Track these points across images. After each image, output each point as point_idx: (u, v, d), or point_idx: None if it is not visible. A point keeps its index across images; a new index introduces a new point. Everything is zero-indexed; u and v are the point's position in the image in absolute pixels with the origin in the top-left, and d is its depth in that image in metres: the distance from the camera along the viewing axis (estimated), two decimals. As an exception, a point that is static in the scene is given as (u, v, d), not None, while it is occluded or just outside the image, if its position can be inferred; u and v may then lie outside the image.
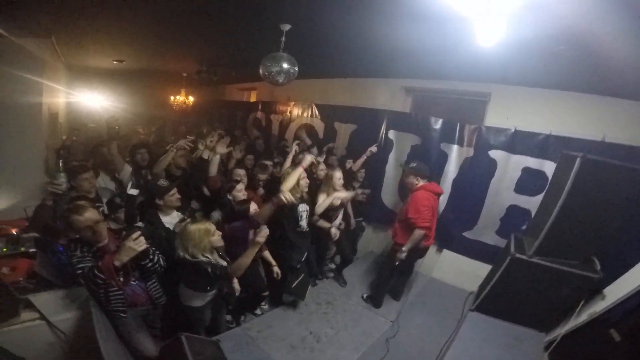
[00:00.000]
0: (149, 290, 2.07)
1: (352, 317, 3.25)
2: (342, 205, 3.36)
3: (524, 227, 3.16)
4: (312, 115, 5.42)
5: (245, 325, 2.95)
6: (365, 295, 3.52)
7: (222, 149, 3.11)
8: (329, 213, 3.28)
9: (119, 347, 1.82)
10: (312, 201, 3.17)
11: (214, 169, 2.97)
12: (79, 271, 1.70)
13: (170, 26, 3.14)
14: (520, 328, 2.74)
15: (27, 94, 2.99)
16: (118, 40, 3.84)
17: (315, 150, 4.38)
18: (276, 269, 2.93)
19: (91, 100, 6.62)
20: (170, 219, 2.56)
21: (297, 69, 2.78)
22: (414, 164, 3.04)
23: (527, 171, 3.28)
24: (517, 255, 2.61)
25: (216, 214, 2.78)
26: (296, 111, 5.73)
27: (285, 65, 2.71)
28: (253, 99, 7.72)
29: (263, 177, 3.48)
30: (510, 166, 3.34)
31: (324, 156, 4.07)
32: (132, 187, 2.46)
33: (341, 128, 4.91)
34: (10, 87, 2.85)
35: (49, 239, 2.29)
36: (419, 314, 3.29)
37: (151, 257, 1.91)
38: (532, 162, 3.24)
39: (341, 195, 3.16)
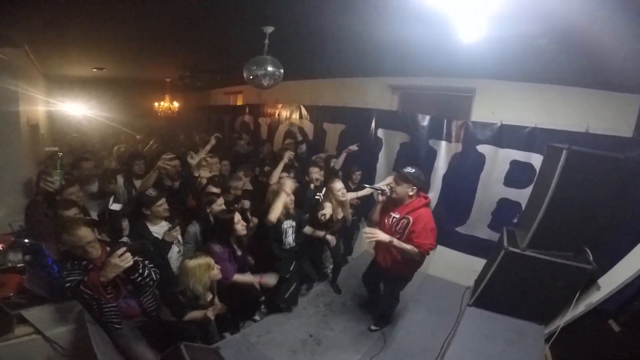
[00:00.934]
0: (143, 304, 2.03)
1: (351, 318, 3.24)
2: (345, 219, 3.34)
3: (515, 220, 3.21)
4: (300, 117, 5.42)
5: (245, 331, 2.91)
6: (372, 327, 3.10)
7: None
8: (333, 225, 3.25)
9: (118, 357, 1.77)
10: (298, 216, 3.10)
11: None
12: (67, 284, 1.67)
13: (150, 31, 3.06)
14: (520, 321, 2.76)
15: (2, 105, 2.88)
16: (96, 48, 3.75)
17: (304, 147, 4.36)
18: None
19: (73, 110, 6.45)
20: (159, 229, 2.52)
21: (282, 71, 2.76)
22: (411, 170, 2.52)
23: (515, 164, 3.34)
24: (511, 248, 2.62)
25: (192, 228, 2.71)
26: (284, 113, 5.72)
27: (270, 68, 2.68)
28: (239, 102, 7.66)
29: (235, 184, 3.35)
30: (498, 160, 3.40)
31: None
32: (114, 201, 2.38)
33: (330, 128, 4.93)
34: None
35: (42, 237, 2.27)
36: (417, 311, 3.32)
37: (140, 271, 1.87)
38: (520, 155, 3.29)
39: (327, 211, 3.04)
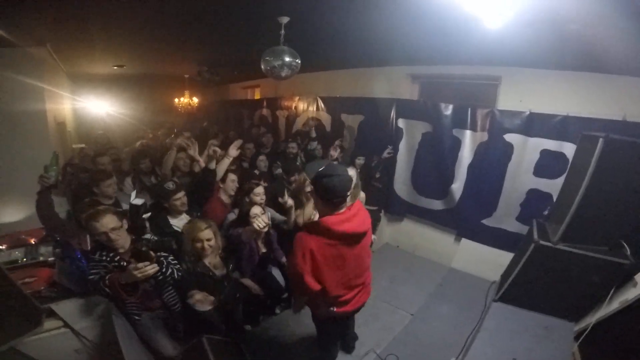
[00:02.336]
0: (163, 298, 2.06)
1: (370, 312, 3.18)
2: None
3: (546, 212, 3.05)
4: (318, 109, 5.36)
5: (265, 325, 2.93)
6: None
7: (233, 152, 2.91)
8: None
9: (142, 352, 1.81)
10: None
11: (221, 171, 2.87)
12: (90, 276, 1.73)
13: (167, 29, 3.09)
14: (548, 318, 2.66)
15: (30, 102, 3.02)
16: (115, 46, 3.82)
17: (315, 144, 4.30)
18: None
19: (97, 107, 6.67)
20: (179, 222, 2.52)
21: (299, 61, 2.71)
22: (322, 170, 1.61)
23: (546, 153, 3.16)
24: (542, 242, 2.52)
25: (232, 216, 2.71)
26: (302, 105, 5.67)
27: (287, 59, 2.64)
28: (257, 96, 7.67)
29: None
30: (527, 149, 3.23)
31: (338, 150, 3.97)
32: (136, 196, 2.42)
33: (348, 120, 4.84)
34: (13, 96, 2.87)
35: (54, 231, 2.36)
36: (440, 305, 3.23)
37: (164, 269, 1.88)
38: (551, 144, 3.12)
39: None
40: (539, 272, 2.63)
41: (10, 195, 2.99)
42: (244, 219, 2.47)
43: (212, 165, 2.79)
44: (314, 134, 4.56)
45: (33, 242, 2.57)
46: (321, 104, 5.31)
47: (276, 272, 2.91)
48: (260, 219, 2.44)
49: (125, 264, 1.78)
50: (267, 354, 2.58)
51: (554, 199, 3.05)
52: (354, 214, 1.65)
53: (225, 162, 2.89)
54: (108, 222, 1.77)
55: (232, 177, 2.89)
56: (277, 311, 3.15)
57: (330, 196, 1.57)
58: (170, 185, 2.52)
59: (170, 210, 2.53)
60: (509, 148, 3.32)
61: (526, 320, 2.69)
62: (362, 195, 3.18)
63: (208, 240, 2.12)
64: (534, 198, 3.25)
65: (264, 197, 2.79)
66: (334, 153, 3.88)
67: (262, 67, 2.64)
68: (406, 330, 2.91)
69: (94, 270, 1.74)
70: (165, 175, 3.07)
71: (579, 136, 2.63)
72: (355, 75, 4.96)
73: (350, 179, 1.63)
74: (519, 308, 2.79)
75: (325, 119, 5.21)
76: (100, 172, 2.83)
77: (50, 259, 2.30)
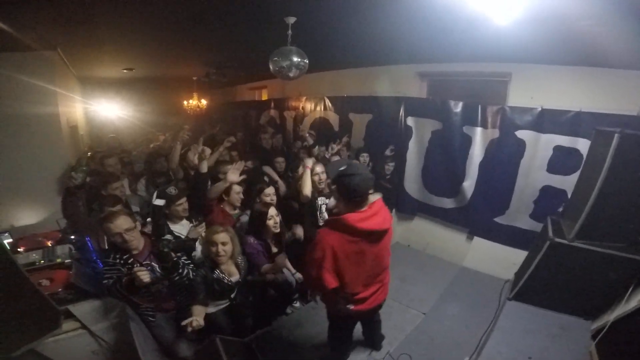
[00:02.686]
0: (177, 299, 2.08)
1: (382, 310, 3.11)
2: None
3: (560, 209, 2.99)
4: (325, 109, 5.36)
5: (276, 324, 2.93)
6: None
7: (233, 177, 2.69)
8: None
9: (158, 353, 1.83)
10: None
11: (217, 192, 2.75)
12: (104, 281, 1.76)
13: (175, 31, 3.12)
14: (564, 316, 2.62)
15: (43, 105, 3.07)
16: (125, 49, 3.86)
17: (316, 150, 4.29)
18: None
19: (108, 110, 6.78)
20: (180, 227, 2.50)
21: (307, 61, 2.72)
22: (344, 170, 1.62)
23: (559, 150, 3.11)
24: (557, 239, 2.48)
25: (244, 218, 2.73)
26: (309, 106, 5.68)
27: (295, 59, 2.64)
28: (264, 97, 7.70)
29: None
30: (540, 146, 3.18)
31: (340, 144, 4.05)
32: (157, 197, 2.42)
33: (356, 119, 4.83)
34: (26, 100, 2.93)
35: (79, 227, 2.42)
36: (452, 304, 3.19)
37: (180, 270, 1.92)
38: (564, 140, 3.07)
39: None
40: (555, 270, 2.58)
41: (26, 198, 3.05)
42: (259, 220, 2.48)
43: (204, 168, 2.72)
44: (310, 141, 4.59)
45: (50, 244, 2.61)
46: (329, 104, 5.31)
47: (286, 272, 2.92)
48: (275, 219, 2.49)
49: (138, 265, 1.80)
50: (279, 354, 2.59)
51: (569, 196, 3.01)
52: (375, 212, 1.65)
53: (221, 186, 2.73)
54: (122, 223, 1.80)
55: (236, 189, 2.80)
56: (289, 311, 3.16)
57: (352, 195, 1.59)
58: (172, 190, 2.49)
59: (171, 216, 2.49)
60: (521, 145, 3.28)
61: (541, 319, 2.64)
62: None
63: (223, 244, 2.09)
64: (548, 195, 3.20)
65: (274, 197, 2.80)
66: (335, 146, 3.94)
67: (271, 67, 2.65)
68: (418, 330, 2.88)
69: (108, 274, 1.77)
70: (174, 170, 3.07)
71: (593, 132, 2.59)
72: (362, 75, 4.95)
73: (372, 178, 1.67)
74: (533, 306, 2.74)
75: (333, 118, 5.21)
76: (109, 174, 2.87)
77: (67, 260, 2.34)
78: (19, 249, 2.53)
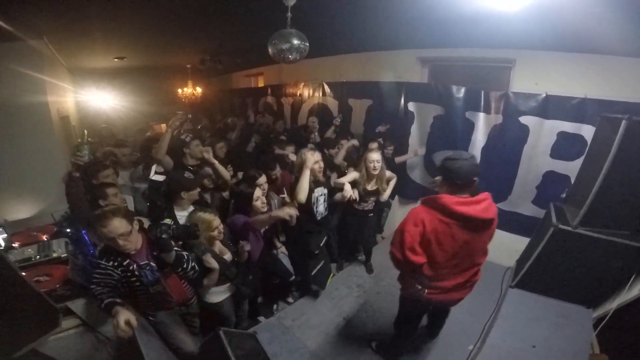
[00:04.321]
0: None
1: (385, 299, 3.18)
2: (375, 193, 3.16)
3: (563, 195, 2.97)
4: (324, 94, 5.26)
5: (280, 314, 2.93)
6: (374, 345, 2.60)
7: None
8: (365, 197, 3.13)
9: (162, 348, 1.79)
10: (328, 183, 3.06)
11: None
12: (92, 286, 1.58)
13: (167, 16, 2.99)
14: (566, 304, 2.61)
15: (31, 95, 2.96)
16: (114, 37, 3.72)
17: (316, 136, 4.24)
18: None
19: (100, 101, 6.62)
20: (184, 214, 2.41)
21: (307, 44, 2.61)
22: (449, 155, 1.68)
23: (563, 136, 3.08)
24: (561, 226, 2.45)
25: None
26: (307, 92, 5.56)
27: (295, 42, 2.53)
28: (261, 84, 7.55)
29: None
30: (544, 132, 3.15)
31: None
32: (156, 172, 2.26)
33: (356, 104, 4.75)
34: (14, 90, 2.82)
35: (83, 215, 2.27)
36: (454, 292, 3.19)
37: (185, 265, 1.78)
38: (568, 127, 3.04)
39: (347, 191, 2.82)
40: (558, 257, 2.56)
41: (19, 191, 2.98)
42: (244, 201, 2.41)
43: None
44: (317, 127, 4.57)
45: (45, 239, 2.54)
46: (327, 90, 5.21)
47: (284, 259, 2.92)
48: (262, 200, 2.42)
49: (135, 267, 1.68)
50: (283, 344, 2.59)
51: (572, 181, 2.98)
52: (477, 200, 1.63)
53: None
54: (117, 227, 1.59)
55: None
56: (291, 300, 3.16)
57: (454, 177, 1.61)
58: (190, 175, 2.42)
59: (180, 202, 2.40)
60: (524, 130, 3.24)
61: (544, 307, 2.64)
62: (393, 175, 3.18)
63: (219, 225, 2.11)
64: (551, 180, 3.18)
65: (266, 186, 2.71)
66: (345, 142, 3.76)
67: (270, 51, 2.54)
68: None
69: (97, 277, 1.60)
70: (158, 160, 2.88)
71: (598, 118, 2.55)
72: (362, 60, 4.84)
73: (477, 166, 1.66)
74: (536, 294, 2.74)
75: (332, 104, 5.12)
76: (97, 163, 2.74)
77: (63, 255, 2.27)
78: (13, 244, 2.46)
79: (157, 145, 2.92)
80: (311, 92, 5.47)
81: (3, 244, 2.51)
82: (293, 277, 2.93)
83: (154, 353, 1.51)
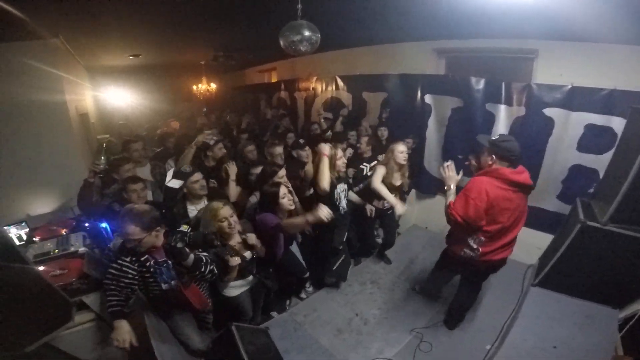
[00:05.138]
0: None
1: (400, 296, 3.12)
2: (401, 187, 3.15)
3: (591, 190, 2.81)
4: (337, 88, 5.19)
5: (292, 310, 2.92)
6: (418, 288, 3.14)
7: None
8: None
9: (174, 344, 1.80)
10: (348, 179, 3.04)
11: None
12: (106, 280, 1.60)
13: (180, 13, 3.00)
14: (590, 304, 2.47)
15: (49, 93, 3.03)
16: (128, 34, 3.76)
17: (329, 134, 4.15)
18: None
19: (118, 98, 6.77)
20: (195, 208, 2.47)
21: (319, 35, 2.55)
22: (498, 138, 2.11)
23: (590, 128, 2.90)
24: (589, 222, 2.30)
25: (254, 199, 2.63)
26: (320, 86, 5.50)
27: (306, 33, 2.48)
28: (274, 79, 7.53)
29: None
30: (570, 124, 2.98)
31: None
32: (173, 176, 2.30)
33: (370, 97, 4.66)
34: (32, 88, 2.89)
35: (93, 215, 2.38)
36: (473, 290, 3.09)
37: (202, 269, 1.75)
38: (597, 119, 2.86)
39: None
40: (584, 255, 2.42)
41: (41, 187, 3.06)
42: (271, 200, 2.35)
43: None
44: (324, 126, 4.49)
45: (64, 233, 2.60)
46: (341, 83, 5.13)
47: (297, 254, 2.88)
48: (288, 197, 2.37)
49: (152, 263, 1.68)
50: (295, 340, 2.57)
51: (600, 175, 2.82)
52: (522, 171, 2.10)
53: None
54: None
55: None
56: (304, 296, 3.14)
57: (509, 154, 2.02)
58: (186, 168, 2.46)
59: (189, 196, 2.46)
60: (549, 123, 3.08)
61: (566, 306, 2.51)
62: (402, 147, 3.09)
63: (230, 216, 2.04)
64: (578, 174, 3.01)
65: (286, 180, 2.68)
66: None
67: (281, 43, 2.50)
68: (438, 316, 2.81)
69: (112, 274, 1.61)
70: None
71: (629, 110, 2.38)
72: (376, 53, 4.74)
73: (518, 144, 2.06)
74: (559, 293, 2.61)
75: (346, 98, 5.04)
76: (120, 158, 2.85)
77: (80, 249, 2.29)
78: (34, 239, 2.53)
79: (181, 157, 3.07)
80: (324, 86, 5.41)
81: (25, 238, 2.59)
82: (307, 274, 2.90)
83: (165, 349, 1.51)
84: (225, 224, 2.02)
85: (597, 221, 2.29)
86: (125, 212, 1.61)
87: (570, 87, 2.93)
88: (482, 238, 2.13)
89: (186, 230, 1.75)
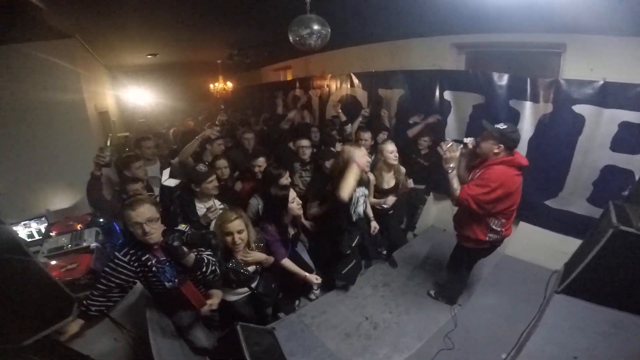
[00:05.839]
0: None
1: (413, 300, 3.00)
2: (395, 189, 3.02)
3: (625, 193, 2.59)
4: (352, 85, 5.08)
5: (300, 311, 2.86)
6: (433, 292, 3.02)
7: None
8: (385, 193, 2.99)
9: (176, 341, 1.78)
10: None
11: None
12: (102, 279, 1.62)
13: (194, 11, 3.01)
14: (617, 313, 2.28)
15: (68, 92, 3.11)
16: (145, 34, 3.81)
17: (349, 128, 4.01)
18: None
19: (138, 97, 6.95)
20: (204, 206, 2.44)
21: (329, 29, 2.48)
22: (503, 126, 2.22)
23: (626, 126, 2.67)
24: (622, 227, 2.10)
25: (254, 201, 2.58)
26: (334, 83, 5.42)
27: (315, 27, 2.41)
28: (289, 77, 7.51)
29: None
30: (603, 122, 2.76)
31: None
32: (170, 176, 2.28)
33: (387, 94, 4.52)
34: (50, 87, 2.97)
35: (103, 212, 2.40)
36: (491, 295, 2.94)
37: (204, 269, 1.71)
38: (632, 116, 2.63)
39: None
40: (616, 262, 2.22)
41: (60, 183, 3.15)
42: (280, 204, 2.29)
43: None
44: (343, 118, 4.25)
45: (79, 228, 2.65)
46: (355, 80, 5.02)
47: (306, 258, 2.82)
48: (297, 201, 2.33)
49: (154, 262, 1.66)
50: (301, 342, 2.51)
51: (637, 177, 2.60)
52: (520, 155, 2.28)
53: None
54: (145, 211, 1.57)
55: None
56: (313, 297, 3.08)
57: (513, 145, 2.20)
58: (202, 167, 2.43)
59: (200, 195, 2.44)
60: (579, 120, 2.86)
61: (592, 315, 2.31)
62: (402, 169, 3.07)
63: (239, 232, 1.96)
64: (611, 176, 2.78)
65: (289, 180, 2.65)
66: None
67: (291, 38, 2.45)
68: (452, 322, 2.68)
69: (106, 272, 1.61)
70: (183, 163, 2.96)
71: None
72: (392, 49, 4.59)
73: None
74: (585, 301, 2.42)
75: (361, 95, 4.93)
76: (130, 155, 2.87)
77: (92, 244, 2.32)
78: (50, 233, 2.59)
79: (183, 149, 3.01)
80: (339, 83, 5.32)
81: (44, 231, 2.67)
82: (314, 272, 2.83)
83: (165, 347, 1.49)
84: (229, 239, 1.96)
85: (632, 226, 2.09)
86: (134, 199, 1.66)
87: (602, 82, 2.72)
88: (502, 220, 2.30)
89: (184, 229, 1.69)
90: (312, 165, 3.27)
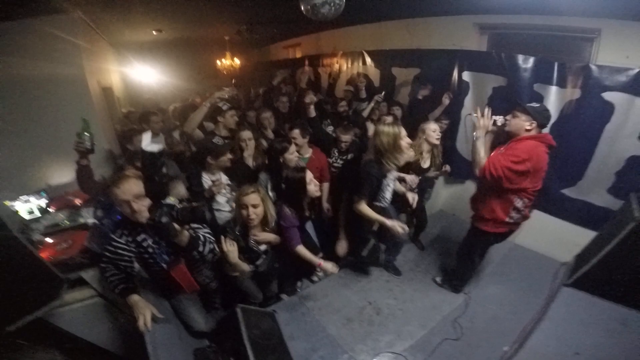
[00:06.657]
0: (197, 278, 1.88)
1: (419, 287, 2.94)
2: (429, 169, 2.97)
3: (650, 185, 2.43)
4: (364, 63, 4.87)
5: (302, 293, 2.83)
6: (439, 279, 2.97)
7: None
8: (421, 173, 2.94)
9: (174, 324, 1.73)
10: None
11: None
12: (102, 264, 1.55)
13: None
14: (628, 310, 2.17)
15: (68, 66, 3.01)
16: (149, 8, 3.66)
17: (364, 104, 3.85)
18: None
19: (144, 73, 6.83)
20: (211, 178, 2.37)
21: None
22: (535, 104, 2.19)
23: (660, 116, 2.48)
24: (645, 221, 1.98)
25: (263, 176, 2.49)
26: (345, 62, 5.21)
27: (327, -5, 2.23)
28: (298, 55, 7.27)
29: (346, 137, 3.00)
30: (634, 110, 2.58)
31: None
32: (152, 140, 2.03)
33: (401, 73, 4.33)
34: (49, 62, 2.87)
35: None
36: (498, 286, 2.87)
37: (200, 249, 1.63)
38: (666, 107, 2.45)
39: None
40: (634, 256, 2.10)
41: (60, 157, 3.08)
42: (298, 186, 2.18)
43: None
44: (364, 95, 4.09)
45: (79, 204, 2.59)
46: (367, 58, 4.81)
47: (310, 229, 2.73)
48: (314, 182, 2.23)
49: (150, 242, 1.59)
50: (302, 326, 2.49)
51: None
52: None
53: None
54: (131, 187, 1.45)
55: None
56: (315, 279, 3.03)
57: (546, 121, 2.17)
58: (219, 140, 2.35)
59: (212, 168, 2.35)
60: (608, 108, 2.69)
61: (602, 310, 2.18)
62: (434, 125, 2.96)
63: (254, 206, 1.91)
64: (635, 167, 2.62)
65: (297, 155, 2.54)
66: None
67: (302, 7, 2.28)
68: (457, 312, 2.61)
69: (107, 257, 1.53)
70: (188, 134, 2.89)
71: None
72: (408, 27, 4.35)
73: None
74: (594, 296, 2.31)
75: (373, 73, 4.73)
76: (132, 129, 2.84)
77: (89, 221, 2.22)
78: (49, 209, 2.51)
79: (189, 117, 2.85)
80: (350, 61, 5.11)
81: (44, 207, 2.61)
82: (320, 253, 2.76)
83: (163, 330, 1.44)
84: (244, 212, 1.92)
85: (656, 220, 1.97)
86: (120, 173, 1.55)
87: (638, 70, 2.53)
88: (526, 199, 2.21)
89: (173, 203, 1.54)
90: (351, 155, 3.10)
